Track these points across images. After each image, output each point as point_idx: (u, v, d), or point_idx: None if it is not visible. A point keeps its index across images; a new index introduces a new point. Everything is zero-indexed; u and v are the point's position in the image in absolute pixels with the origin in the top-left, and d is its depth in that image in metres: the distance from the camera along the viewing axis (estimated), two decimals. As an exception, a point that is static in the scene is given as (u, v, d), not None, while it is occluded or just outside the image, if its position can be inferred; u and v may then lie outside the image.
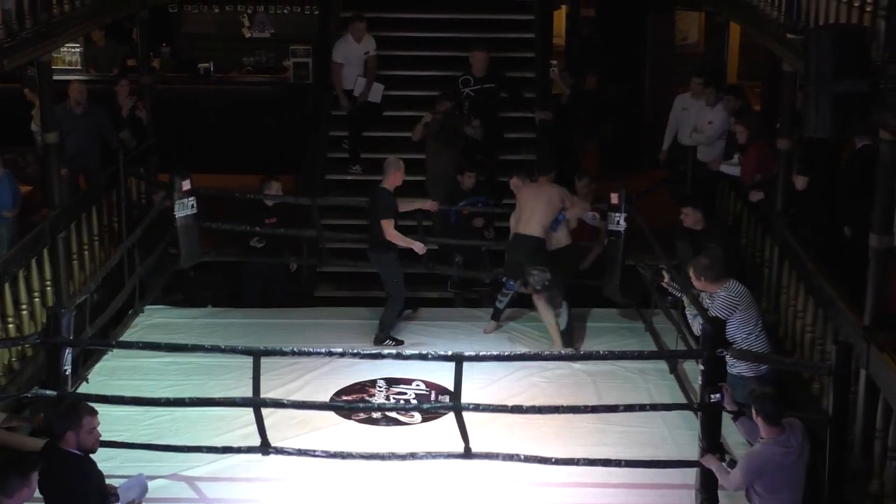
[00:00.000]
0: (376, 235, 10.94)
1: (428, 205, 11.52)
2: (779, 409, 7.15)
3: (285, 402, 8.66)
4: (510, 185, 11.19)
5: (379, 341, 10.89)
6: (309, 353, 8.88)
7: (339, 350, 8.65)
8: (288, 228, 12.15)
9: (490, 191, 12.68)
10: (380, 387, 10.05)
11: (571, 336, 10.91)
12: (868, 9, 7.95)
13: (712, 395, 7.90)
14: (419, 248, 11.07)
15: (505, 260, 11.16)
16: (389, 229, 10.77)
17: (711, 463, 7.66)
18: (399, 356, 8.66)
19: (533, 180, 11.02)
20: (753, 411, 7.21)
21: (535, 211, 10.69)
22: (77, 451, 6.81)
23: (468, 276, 12.47)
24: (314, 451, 8.42)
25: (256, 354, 8.28)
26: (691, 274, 9.21)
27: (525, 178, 11.05)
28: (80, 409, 7.01)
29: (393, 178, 10.89)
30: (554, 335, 10.81)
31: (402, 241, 10.91)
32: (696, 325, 9.05)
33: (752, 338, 8.98)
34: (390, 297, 11.05)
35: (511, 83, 13.82)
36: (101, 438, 7.14)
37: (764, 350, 9.07)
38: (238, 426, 8.92)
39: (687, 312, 9.46)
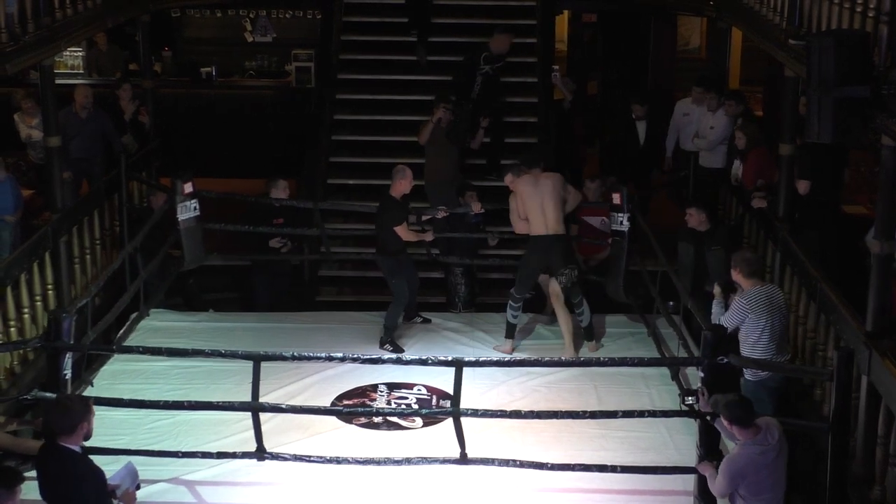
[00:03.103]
0: (382, 241, 11.08)
1: (428, 236, 11.51)
2: (747, 411, 7.15)
3: (284, 406, 8.65)
4: (506, 182, 11.02)
5: (381, 343, 10.95)
6: (309, 359, 8.87)
7: (339, 355, 8.65)
8: (294, 229, 12.16)
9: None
10: (381, 391, 10.04)
11: (593, 332, 10.96)
12: (870, 14, 7.96)
13: (688, 398, 7.93)
14: (429, 236, 11.46)
15: (524, 267, 10.90)
16: (404, 232, 10.95)
17: (706, 469, 7.66)
18: (399, 361, 8.66)
19: (524, 173, 10.82)
20: (725, 421, 7.21)
21: (545, 207, 10.59)
22: (76, 448, 6.79)
23: (476, 289, 12.51)
24: (309, 456, 8.39)
25: (256, 359, 8.28)
26: (732, 263, 9.26)
27: (517, 173, 10.87)
28: (86, 399, 7.05)
29: (399, 186, 10.96)
30: (568, 340, 10.76)
31: (415, 237, 11.26)
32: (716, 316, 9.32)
33: (759, 346, 8.94)
34: (394, 298, 11.13)
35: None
36: (102, 440, 7.14)
37: (767, 358, 9.05)
38: (239, 430, 8.91)
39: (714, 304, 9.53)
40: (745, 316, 8.94)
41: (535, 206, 10.61)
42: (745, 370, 9.09)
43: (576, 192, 11.14)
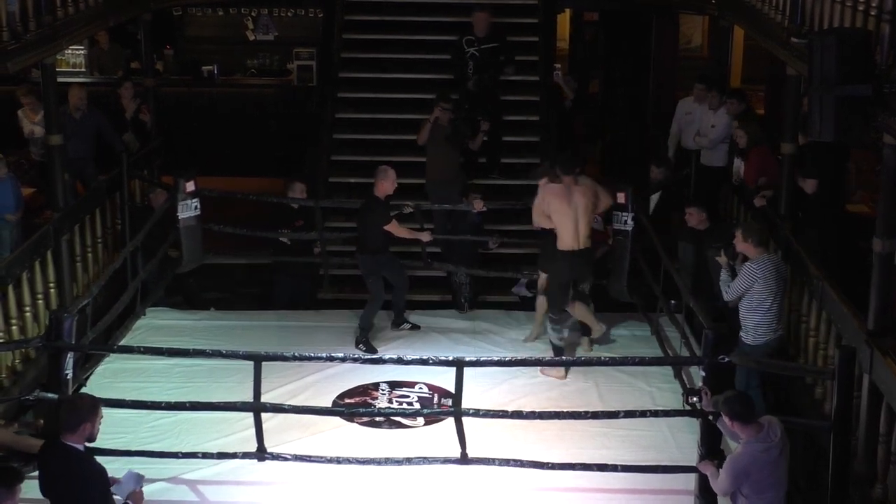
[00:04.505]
0: (363, 240, 11.06)
1: (425, 236, 11.48)
2: (747, 407, 7.15)
3: (286, 406, 8.64)
4: (539, 182, 10.53)
5: (356, 343, 10.92)
6: (310, 359, 8.87)
7: (340, 355, 8.64)
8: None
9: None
10: (382, 390, 10.04)
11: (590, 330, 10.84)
12: (872, 13, 7.95)
13: (692, 398, 7.94)
14: (426, 236, 11.37)
15: (556, 284, 10.45)
16: (396, 230, 10.91)
17: (708, 468, 7.66)
18: (400, 361, 8.65)
19: (559, 178, 10.32)
20: (726, 419, 7.20)
21: (579, 223, 10.19)
22: (79, 446, 6.78)
23: (477, 287, 12.44)
24: (310, 456, 8.39)
25: (258, 359, 8.27)
26: (738, 234, 9.37)
27: (552, 177, 10.35)
28: (96, 400, 7.02)
29: (382, 187, 10.92)
30: (594, 325, 10.63)
31: (410, 234, 11.20)
32: (724, 290, 9.43)
33: (759, 312, 9.21)
34: (370, 298, 11.11)
35: (510, 45, 13.75)
36: (103, 438, 7.13)
37: (765, 327, 9.25)
38: (240, 428, 8.91)
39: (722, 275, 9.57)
40: (755, 282, 9.17)
41: (568, 221, 10.20)
42: (742, 334, 9.29)
43: (606, 194, 10.65)
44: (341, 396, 9.87)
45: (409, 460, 8.37)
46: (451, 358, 8.41)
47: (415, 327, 11.45)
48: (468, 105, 13.30)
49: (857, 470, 8.09)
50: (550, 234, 10.46)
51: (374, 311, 11.07)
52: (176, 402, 8.69)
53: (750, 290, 9.25)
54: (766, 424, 7.14)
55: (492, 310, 12.02)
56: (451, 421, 8.34)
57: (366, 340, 10.92)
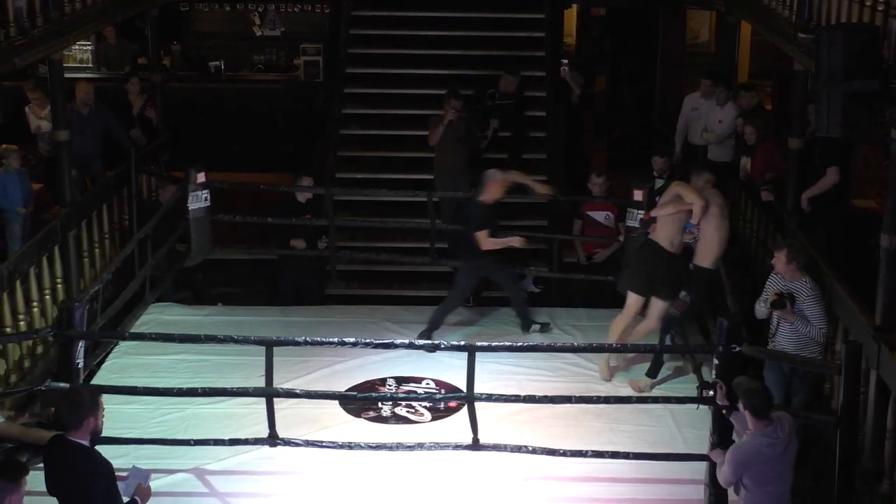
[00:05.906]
0: (465, 242, 10.88)
1: (516, 241, 10.99)
2: (765, 403, 7.16)
3: (298, 391, 8.67)
4: (698, 183, 9.87)
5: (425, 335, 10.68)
6: (321, 343, 8.87)
7: (352, 340, 8.59)
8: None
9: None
10: (389, 385, 10.05)
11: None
12: (880, 8, 7.96)
13: (705, 391, 7.94)
14: (518, 241, 10.85)
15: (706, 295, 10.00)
16: (484, 239, 10.63)
17: (718, 457, 7.67)
18: (411, 346, 8.65)
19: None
20: (741, 405, 7.22)
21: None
22: (84, 442, 6.78)
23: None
24: (321, 441, 8.43)
25: (269, 344, 8.27)
26: (783, 256, 8.79)
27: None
28: (96, 393, 7.02)
29: (489, 191, 10.64)
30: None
31: (499, 244, 10.78)
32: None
33: (822, 336, 8.76)
34: (450, 294, 11.00)
35: (526, 104, 13.81)
36: (112, 435, 7.14)
37: (818, 349, 8.82)
38: (249, 423, 8.93)
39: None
40: (822, 303, 8.71)
41: (725, 224, 9.68)
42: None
43: None
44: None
45: (420, 445, 8.39)
46: (462, 343, 8.43)
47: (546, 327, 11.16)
48: (478, 106, 13.31)
49: (865, 465, 8.09)
50: (678, 256, 9.83)
51: (451, 306, 10.94)
52: (189, 389, 8.72)
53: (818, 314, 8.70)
54: (775, 420, 7.16)
55: (499, 307, 12.02)
56: (457, 416, 8.35)
57: (428, 333, 10.72)
